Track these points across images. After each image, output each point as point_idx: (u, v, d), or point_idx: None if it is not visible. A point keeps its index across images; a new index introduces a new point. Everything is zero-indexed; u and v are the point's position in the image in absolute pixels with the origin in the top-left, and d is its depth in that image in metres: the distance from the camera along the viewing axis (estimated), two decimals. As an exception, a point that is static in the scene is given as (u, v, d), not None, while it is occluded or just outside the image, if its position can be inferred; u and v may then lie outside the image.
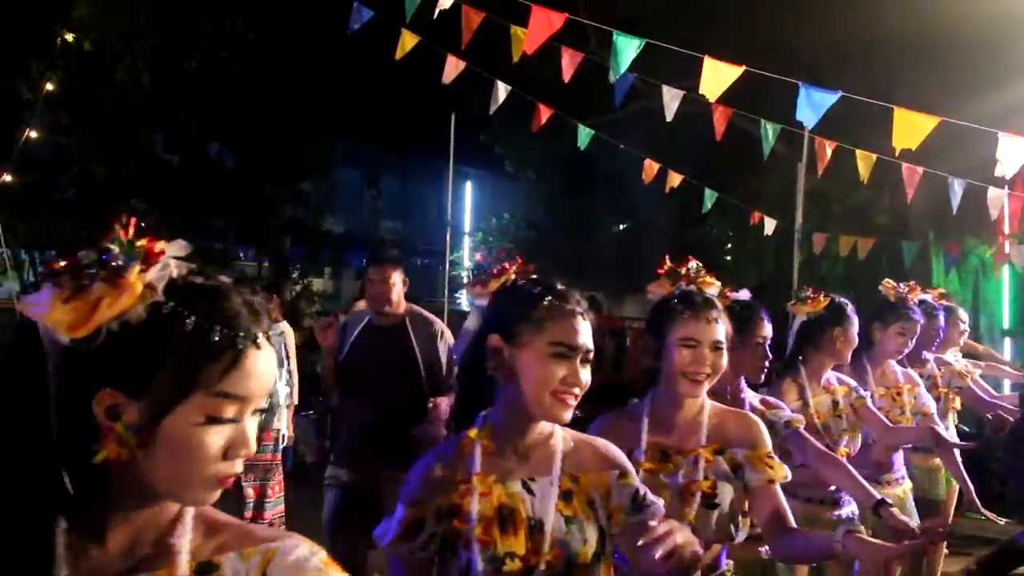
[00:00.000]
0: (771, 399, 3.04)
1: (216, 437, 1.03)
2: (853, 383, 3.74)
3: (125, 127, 11.54)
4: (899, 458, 4.04)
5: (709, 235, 14.13)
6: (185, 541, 1.09)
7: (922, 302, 4.80)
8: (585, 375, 1.71)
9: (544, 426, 1.78)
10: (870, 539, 2.05)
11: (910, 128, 4.82)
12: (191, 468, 1.03)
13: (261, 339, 1.06)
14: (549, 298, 1.72)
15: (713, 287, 2.37)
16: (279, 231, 15.33)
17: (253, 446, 1.07)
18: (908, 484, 4.08)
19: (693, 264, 2.40)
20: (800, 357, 3.65)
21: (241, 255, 16.78)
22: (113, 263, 1.01)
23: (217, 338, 1.02)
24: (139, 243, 1.04)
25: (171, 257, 1.06)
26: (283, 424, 6.27)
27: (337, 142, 16.10)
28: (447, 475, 1.73)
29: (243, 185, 14.33)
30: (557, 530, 1.70)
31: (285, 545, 1.11)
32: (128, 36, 8.88)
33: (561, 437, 1.81)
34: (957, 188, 6.37)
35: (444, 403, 4.32)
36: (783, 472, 2.28)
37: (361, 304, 5.03)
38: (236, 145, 14.75)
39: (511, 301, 1.76)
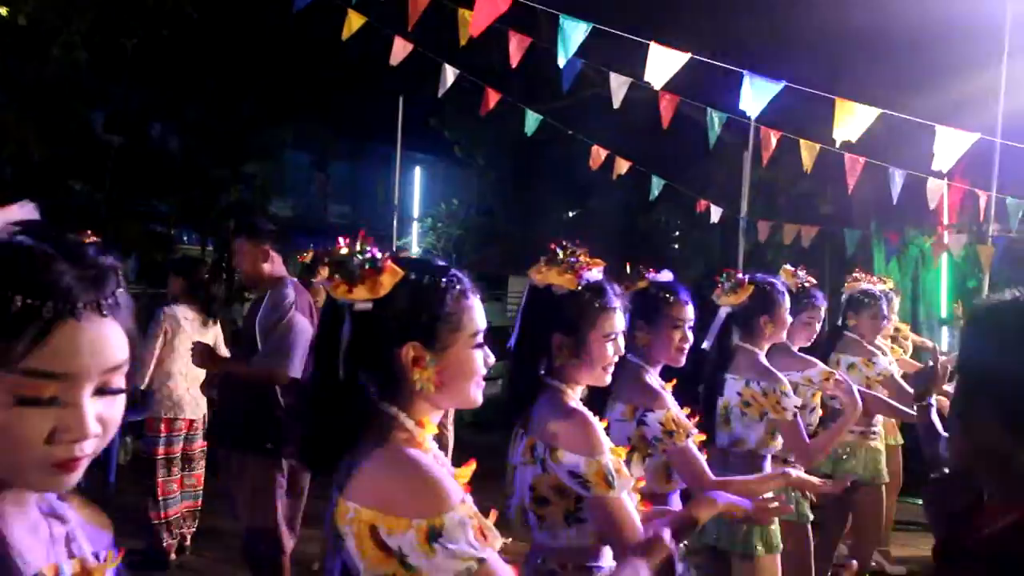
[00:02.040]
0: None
1: (32, 421, 0.91)
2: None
3: (63, 105, 11.20)
4: None
5: (657, 223, 14.23)
6: (75, 523, 1.07)
7: (866, 291, 4.91)
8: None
9: None
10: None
11: (851, 120, 4.88)
12: (10, 453, 0.92)
13: (83, 309, 0.92)
14: (454, 286, 1.59)
15: (598, 266, 2.29)
16: (223, 214, 15.06)
17: (91, 429, 0.94)
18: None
19: (577, 251, 2.27)
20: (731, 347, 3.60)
21: (184, 238, 16.45)
22: None
23: (18, 309, 0.88)
24: None
25: (7, 215, 0.96)
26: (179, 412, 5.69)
27: (286, 125, 15.85)
28: (446, 472, 1.55)
29: (187, 167, 14.04)
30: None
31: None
32: (65, 11, 8.62)
33: None
34: (898, 179, 6.49)
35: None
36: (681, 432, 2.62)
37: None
38: (180, 126, 14.45)
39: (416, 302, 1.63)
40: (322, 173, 21.44)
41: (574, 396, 2.25)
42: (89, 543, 1.10)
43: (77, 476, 0.97)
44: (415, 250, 17.42)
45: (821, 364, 4.00)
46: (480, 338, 1.59)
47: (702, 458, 2.74)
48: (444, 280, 1.56)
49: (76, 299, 0.92)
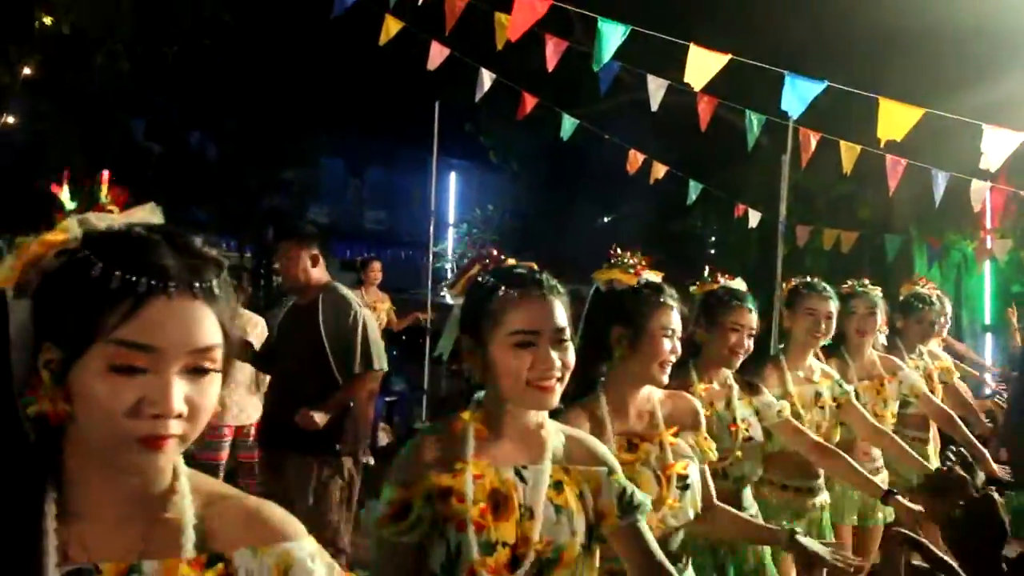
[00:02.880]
0: (757, 384, 3.10)
1: (120, 389, 0.97)
2: (836, 375, 3.71)
3: (104, 113, 11.41)
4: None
5: (692, 227, 14.14)
6: (188, 516, 1.08)
7: (917, 294, 4.80)
8: (560, 355, 1.68)
9: (534, 415, 1.75)
10: (810, 546, 2.32)
11: (895, 119, 4.80)
12: (100, 423, 0.99)
13: (175, 288, 1.00)
14: (503, 288, 1.71)
15: (658, 276, 2.44)
16: (261, 221, 15.22)
17: (175, 406, 0.99)
18: (884, 475, 4.04)
19: (637, 253, 2.44)
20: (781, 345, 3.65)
21: (223, 245, 16.63)
22: (48, 217, 1.02)
23: (117, 284, 0.98)
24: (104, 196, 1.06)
25: (130, 216, 1.05)
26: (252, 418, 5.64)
27: (321, 131, 16.01)
28: (440, 456, 1.68)
29: (225, 174, 14.22)
30: (547, 520, 1.68)
31: (301, 549, 1.13)
32: (108, 21, 8.77)
33: (553, 428, 1.80)
34: (940, 181, 6.37)
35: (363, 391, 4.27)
36: (712, 454, 2.48)
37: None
38: (218, 134, 14.65)
39: (469, 299, 1.79)
40: (357, 179, 21.60)
41: (601, 407, 2.28)
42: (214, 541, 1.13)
43: (164, 457, 1.01)
44: (451, 256, 17.48)
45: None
46: (523, 337, 1.69)
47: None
48: (496, 278, 1.74)
49: (169, 279, 1.00)
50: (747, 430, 2.95)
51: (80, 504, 1.04)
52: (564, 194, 16.31)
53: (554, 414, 1.96)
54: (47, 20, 8.38)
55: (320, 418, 4.03)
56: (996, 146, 4.81)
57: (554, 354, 1.67)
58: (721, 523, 2.48)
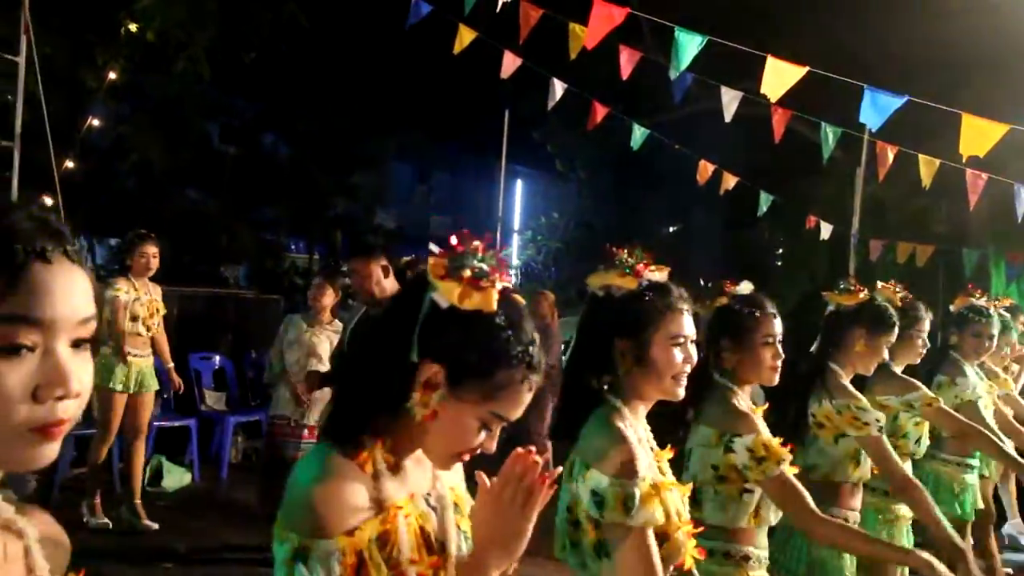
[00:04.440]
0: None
1: (13, 372, 0.84)
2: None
3: (184, 117, 11.72)
4: None
5: (760, 239, 13.96)
6: (32, 532, 0.97)
7: (972, 307, 4.62)
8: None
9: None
10: None
11: (979, 135, 4.70)
12: None
13: (52, 254, 0.87)
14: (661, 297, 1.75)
15: (663, 272, 2.10)
16: (330, 224, 15.47)
17: (74, 384, 0.87)
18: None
19: (637, 250, 2.09)
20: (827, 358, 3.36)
21: (293, 247, 16.96)
22: None
23: None
24: None
25: None
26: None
27: (390, 136, 16.21)
28: (367, 498, 1.38)
29: (296, 177, 14.49)
30: (458, 548, 1.49)
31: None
32: (190, 27, 9.03)
33: None
34: (1023, 196, 6.21)
35: None
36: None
37: None
38: (290, 137, 14.93)
39: (623, 306, 1.81)
40: (424, 184, 21.81)
41: (629, 417, 2.00)
42: (47, 560, 1.00)
43: (57, 447, 0.88)
44: (515, 262, 17.53)
45: (924, 388, 3.66)
46: (499, 425, 1.46)
47: (801, 487, 2.44)
48: (519, 350, 1.43)
49: (44, 243, 0.87)
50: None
51: None
52: (630, 203, 16.23)
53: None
54: (132, 27, 8.64)
55: None
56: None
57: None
58: None
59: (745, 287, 2.73)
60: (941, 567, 2.24)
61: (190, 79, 9.99)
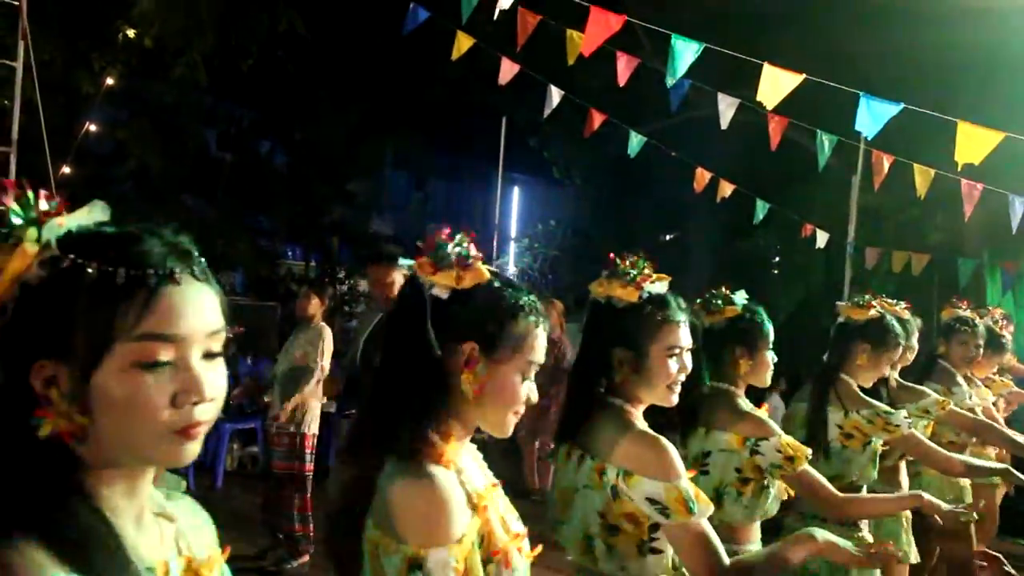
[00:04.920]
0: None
1: (154, 383, 0.95)
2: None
3: (181, 124, 11.73)
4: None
5: (757, 247, 13.99)
6: (177, 515, 1.11)
7: (959, 318, 4.68)
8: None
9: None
10: None
11: (974, 143, 4.71)
12: (136, 422, 0.95)
13: (181, 275, 0.98)
14: (660, 310, 1.73)
15: (664, 281, 2.19)
16: (327, 231, 15.46)
17: (208, 391, 0.98)
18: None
19: (639, 261, 2.18)
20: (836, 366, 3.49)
21: (289, 253, 16.96)
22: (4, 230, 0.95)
23: (123, 280, 0.94)
24: (44, 206, 0.98)
25: (81, 217, 1.00)
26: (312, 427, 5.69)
27: (386, 143, 16.22)
28: (463, 498, 1.46)
29: (293, 184, 14.49)
30: (516, 526, 1.59)
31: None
32: (188, 33, 9.04)
33: None
34: (1018, 206, 6.22)
35: None
36: None
37: None
38: (287, 144, 14.94)
39: (624, 319, 1.78)
40: (421, 192, 21.82)
41: (638, 415, 2.13)
42: (196, 541, 1.13)
43: (197, 446, 1.00)
44: (512, 269, 17.54)
45: (933, 393, 3.87)
46: (534, 369, 1.56)
47: (823, 478, 2.65)
48: (524, 299, 1.56)
49: (172, 267, 0.97)
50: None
51: (111, 516, 1.00)
52: (627, 210, 16.26)
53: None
54: (130, 33, 8.65)
55: None
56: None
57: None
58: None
59: (740, 295, 2.85)
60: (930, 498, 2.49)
61: (187, 85, 10.00)
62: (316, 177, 14.56)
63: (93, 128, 9.09)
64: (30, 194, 0.97)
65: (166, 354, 0.96)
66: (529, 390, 1.55)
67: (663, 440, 2.00)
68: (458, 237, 1.58)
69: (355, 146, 14.96)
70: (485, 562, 1.43)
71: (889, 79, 7.31)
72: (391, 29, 6.82)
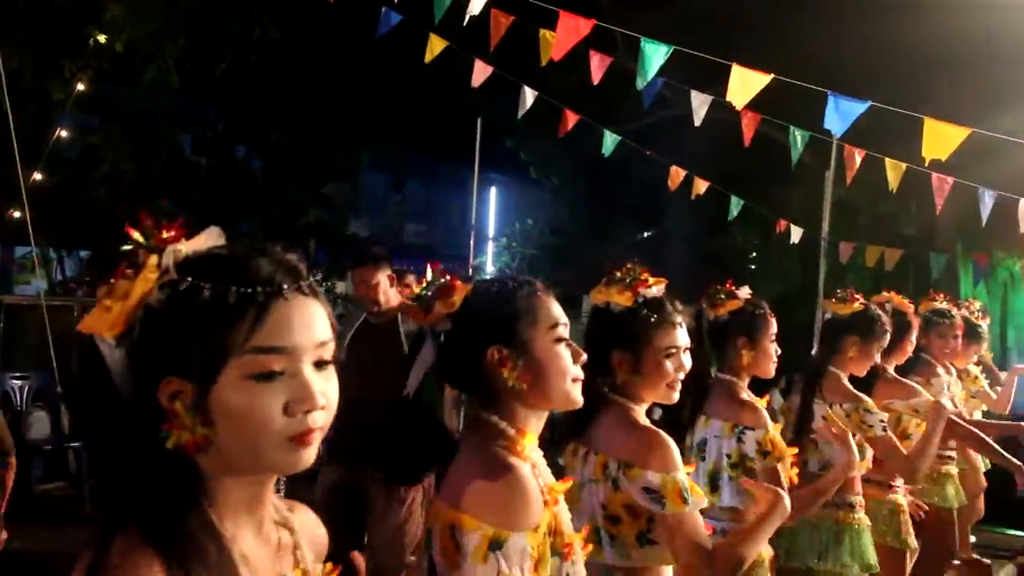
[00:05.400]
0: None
1: (268, 393, 1.02)
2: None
3: (154, 128, 11.64)
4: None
5: (733, 244, 14.06)
6: (298, 527, 1.17)
7: (936, 310, 4.80)
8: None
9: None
10: None
11: (941, 138, 4.77)
12: (255, 431, 1.02)
13: (289, 291, 1.04)
14: (526, 287, 1.67)
15: (661, 285, 2.32)
16: (303, 234, 15.39)
17: (319, 399, 1.04)
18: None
19: (636, 268, 2.32)
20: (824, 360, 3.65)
21: (266, 257, 16.82)
22: (132, 258, 1.04)
23: (234, 298, 1.01)
24: (164, 234, 1.06)
25: (198, 243, 1.08)
26: None
27: (363, 146, 16.16)
28: (538, 489, 1.55)
29: (269, 188, 14.41)
30: (569, 526, 1.68)
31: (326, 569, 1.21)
32: (159, 38, 8.97)
33: None
34: (988, 199, 6.30)
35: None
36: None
37: None
38: (262, 148, 14.85)
39: (489, 309, 1.65)
40: (398, 193, 21.74)
41: (641, 412, 2.25)
42: (311, 552, 1.20)
43: (313, 452, 1.06)
44: (490, 269, 17.54)
45: (926, 393, 3.95)
46: (561, 331, 1.63)
47: (782, 479, 2.75)
48: (512, 282, 1.66)
49: (280, 283, 1.04)
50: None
51: (231, 525, 1.07)
52: (604, 209, 16.29)
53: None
54: (101, 38, 8.58)
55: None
56: (1044, 166, 4.76)
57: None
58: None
59: (744, 291, 3.03)
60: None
61: (160, 90, 9.92)
62: (292, 180, 14.49)
63: (65, 134, 9.00)
64: (148, 224, 1.06)
65: (277, 365, 1.02)
66: (570, 351, 1.63)
67: (662, 434, 2.11)
68: (429, 276, 1.72)
69: (331, 149, 14.90)
70: (553, 553, 1.54)
71: (859, 75, 7.37)
72: (364, 33, 6.80)
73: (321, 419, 1.05)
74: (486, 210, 20.98)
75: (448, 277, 1.69)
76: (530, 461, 1.58)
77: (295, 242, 15.47)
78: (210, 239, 1.11)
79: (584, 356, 1.66)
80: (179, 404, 1.02)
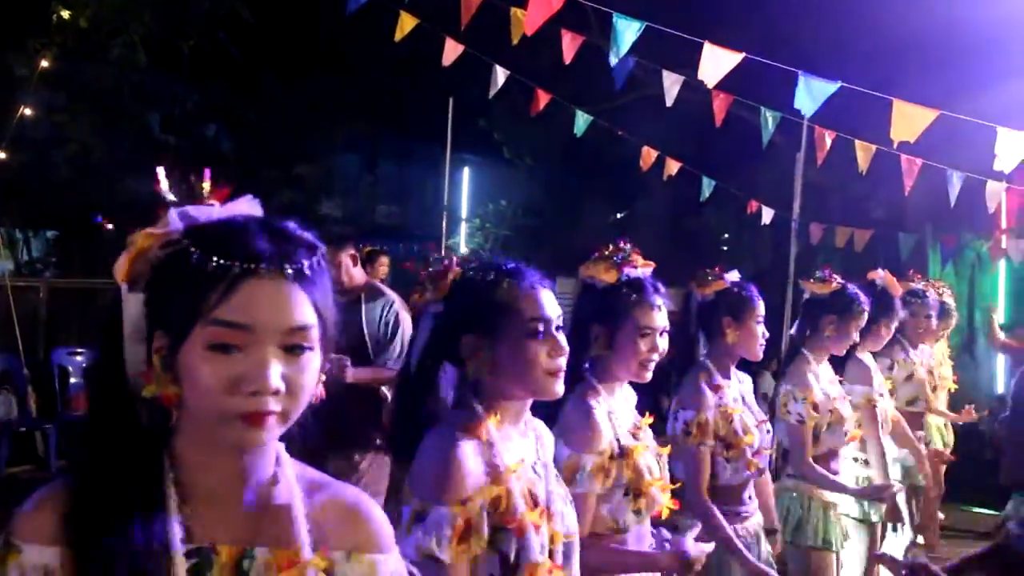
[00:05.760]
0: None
1: (219, 367, 1.03)
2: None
3: (121, 106, 11.46)
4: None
5: (706, 224, 14.11)
6: (298, 506, 1.12)
7: (912, 291, 4.86)
8: (563, 340, 1.70)
9: (525, 411, 1.77)
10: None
11: (909, 120, 4.81)
12: (204, 401, 1.04)
13: (267, 270, 1.05)
14: (508, 280, 1.70)
15: (649, 268, 2.39)
16: (275, 214, 15.25)
17: (272, 382, 1.03)
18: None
19: (627, 247, 2.40)
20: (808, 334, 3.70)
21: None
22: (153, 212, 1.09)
23: (212, 268, 1.03)
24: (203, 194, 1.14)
25: (228, 209, 1.13)
26: None
27: (335, 126, 16.03)
28: (481, 463, 1.61)
29: (240, 168, 14.27)
30: (559, 512, 1.70)
31: (386, 564, 1.15)
32: (124, 14, 8.81)
33: (533, 421, 1.81)
34: (956, 181, 6.35)
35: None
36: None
37: None
38: (233, 128, 14.69)
39: (468, 298, 1.72)
40: (371, 174, 21.59)
41: (601, 392, 2.28)
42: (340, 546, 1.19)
43: (267, 434, 1.05)
44: (463, 250, 17.50)
45: (870, 386, 4.05)
46: (539, 325, 1.66)
47: (706, 471, 2.83)
48: (496, 272, 1.69)
49: (260, 261, 1.05)
50: (767, 422, 3.09)
51: (197, 487, 1.09)
52: (577, 190, 16.28)
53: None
54: (64, 13, 8.41)
55: (351, 373, 3.95)
56: (1010, 148, 4.81)
57: (561, 341, 1.69)
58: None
59: (733, 275, 3.10)
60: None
61: (127, 67, 9.76)
62: (263, 161, 14.35)
63: (29, 112, 8.82)
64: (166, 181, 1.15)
65: (236, 339, 1.03)
66: (548, 347, 1.65)
67: (594, 414, 2.20)
68: (432, 258, 1.81)
69: (302, 129, 14.78)
70: (498, 528, 1.57)
71: (832, 58, 7.39)
72: (334, 9, 6.72)
73: (276, 404, 1.04)
74: (459, 191, 20.90)
75: (452, 260, 1.78)
76: (489, 441, 1.63)
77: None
78: (245, 207, 1.15)
79: (566, 350, 1.68)
80: (157, 358, 1.06)
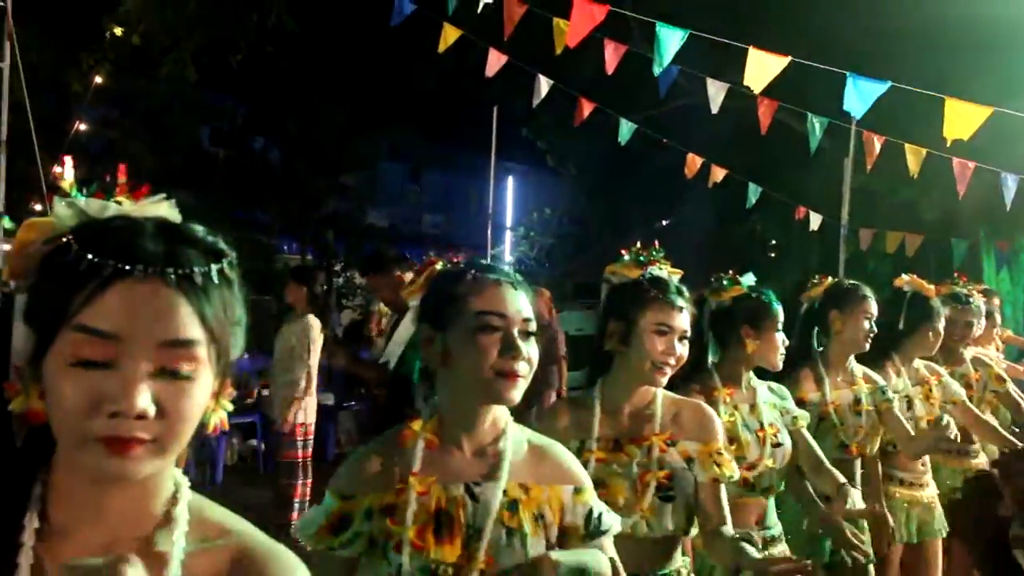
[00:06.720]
0: (781, 388, 2.98)
1: (80, 382, 0.86)
2: (882, 382, 3.52)
3: (172, 120, 11.70)
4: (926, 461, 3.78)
5: (752, 231, 13.97)
6: (176, 552, 0.95)
7: (952, 294, 4.66)
8: (527, 347, 1.57)
9: (492, 423, 1.64)
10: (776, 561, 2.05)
11: (962, 119, 4.70)
12: (62, 420, 0.87)
13: (144, 274, 0.88)
14: (469, 272, 1.63)
15: (676, 275, 2.28)
16: (322, 224, 15.45)
17: (138, 404, 0.85)
18: (933, 490, 3.80)
19: (657, 250, 2.30)
20: (819, 346, 3.47)
21: (285, 248, 16.94)
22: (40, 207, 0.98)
23: (84, 267, 0.87)
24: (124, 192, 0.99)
25: (141, 208, 0.97)
26: (309, 417, 5.73)
27: (381, 136, 16.19)
28: (384, 470, 1.60)
29: (287, 179, 14.47)
30: (495, 541, 1.56)
31: None
32: (175, 30, 9.01)
33: (512, 439, 1.64)
34: (1011, 184, 6.21)
35: None
36: (730, 471, 2.23)
37: None
38: (280, 139, 14.91)
39: (431, 287, 1.70)
40: (416, 183, 21.77)
41: (597, 396, 2.27)
42: None
43: (132, 464, 0.88)
44: (508, 258, 17.53)
45: (849, 387, 3.56)
46: (493, 320, 1.56)
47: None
48: (466, 266, 1.67)
49: (137, 261, 0.88)
50: (775, 435, 2.79)
51: (65, 521, 0.94)
52: (622, 198, 16.24)
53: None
54: (117, 31, 8.62)
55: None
56: (1068, 148, 4.69)
57: (521, 344, 1.56)
58: (717, 552, 2.24)
59: (748, 278, 2.90)
60: None
61: (177, 82, 9.97)
62: (310, 171, 14.55)
63: (83, 127, 9.06)
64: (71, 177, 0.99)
65: (102, 352, 0.86)
66: (498, 345, 1.56)
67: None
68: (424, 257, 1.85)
69: (348, 139, 14.95)
70: (382, 537, 1.56)
71: (878, 57, 7.28)
72: (380, 22, 6.80)
73: (144, 431, 0.87)
74: (504, 199, 20.95)
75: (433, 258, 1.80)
76: (411, 451, 1.62)
77: (314, 233, 15.59)
78: (158, 207, 0.99)
79: (526, 356, 1.57)
80: (25, 367, 0.91)
